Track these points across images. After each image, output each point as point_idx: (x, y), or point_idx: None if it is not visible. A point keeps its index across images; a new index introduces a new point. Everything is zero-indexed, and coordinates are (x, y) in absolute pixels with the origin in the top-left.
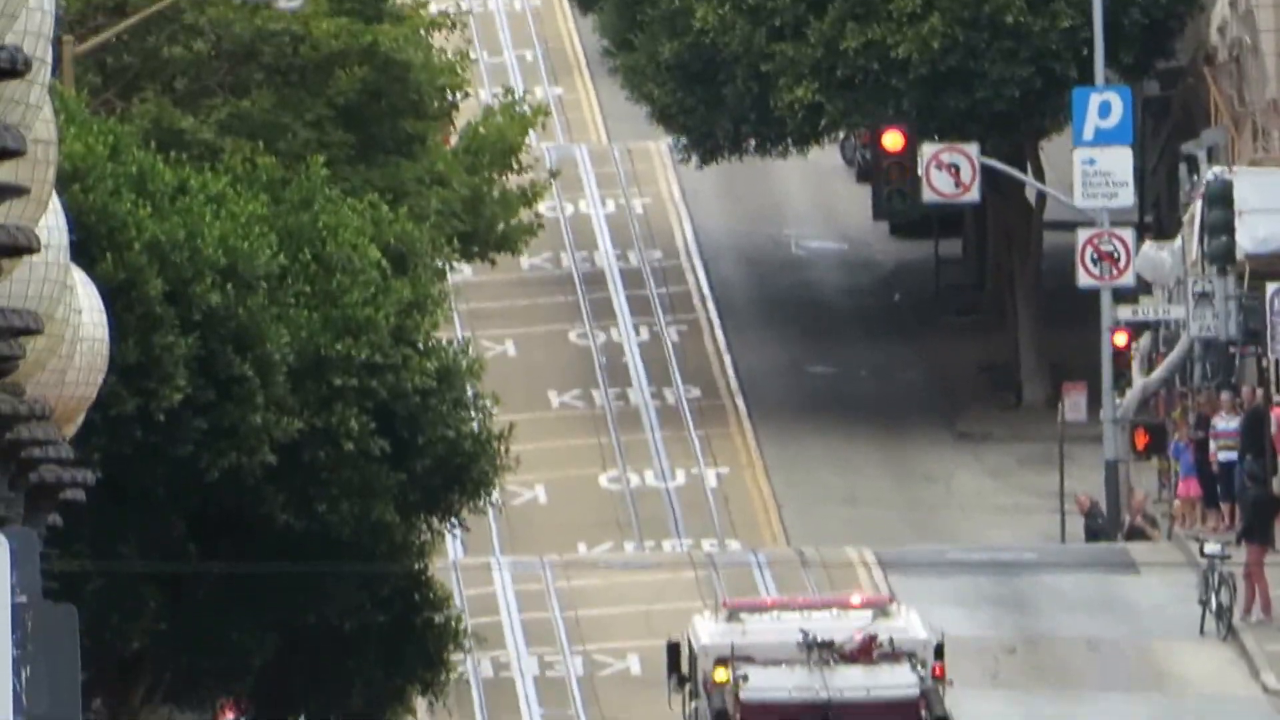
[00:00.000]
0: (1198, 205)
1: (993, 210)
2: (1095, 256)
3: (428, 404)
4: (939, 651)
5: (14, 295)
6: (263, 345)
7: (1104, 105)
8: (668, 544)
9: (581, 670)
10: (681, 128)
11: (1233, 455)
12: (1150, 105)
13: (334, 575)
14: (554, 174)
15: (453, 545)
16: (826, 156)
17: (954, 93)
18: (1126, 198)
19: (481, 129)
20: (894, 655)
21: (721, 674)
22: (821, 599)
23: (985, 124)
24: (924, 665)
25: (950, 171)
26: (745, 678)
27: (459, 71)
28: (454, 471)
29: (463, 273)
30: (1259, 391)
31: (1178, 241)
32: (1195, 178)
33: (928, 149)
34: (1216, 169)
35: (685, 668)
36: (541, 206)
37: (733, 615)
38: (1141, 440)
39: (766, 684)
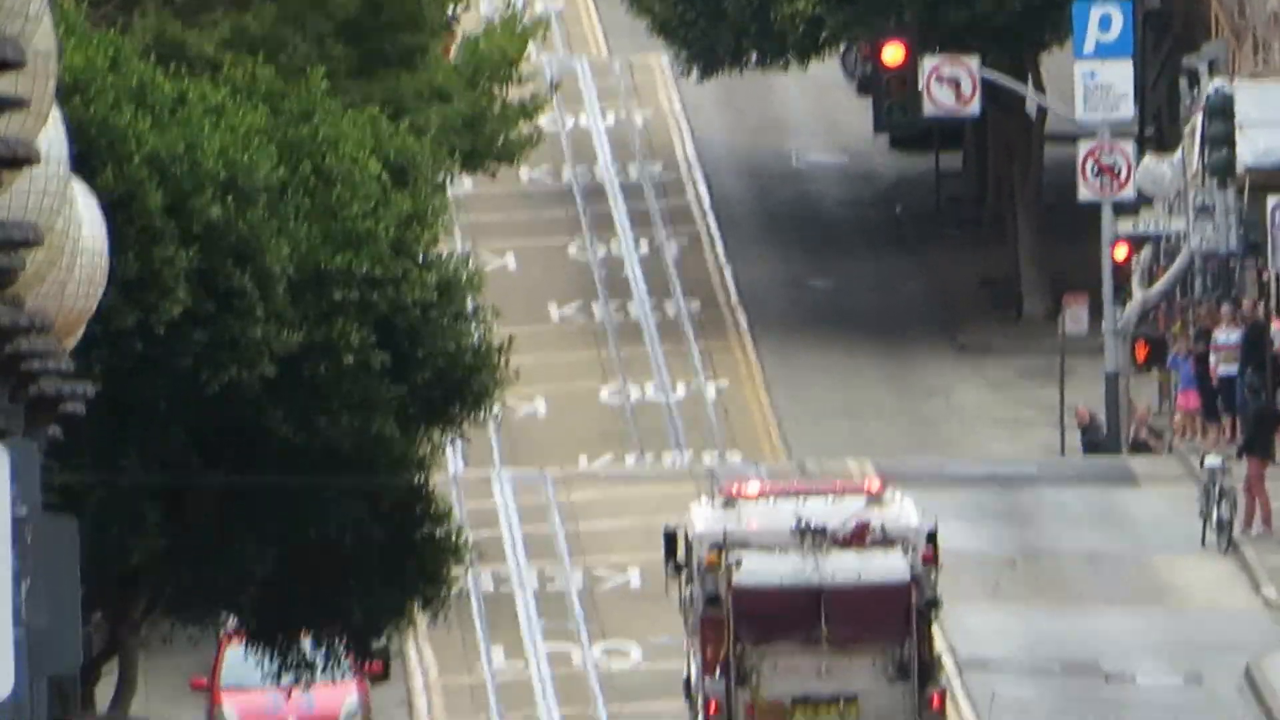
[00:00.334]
0: (1198, 118)
1: (993, 124)
2: (1096, 170)
3: (428, 317)
4: (931, 537)
5: (14, 208)
6: (263, 258)
7: (1104, 18)
8: (668, 457)
9: (582, 584)
10: (682, 41)
11: (1233, 368)
12: (1151, 18)
13: (334, 489)
14: (555, 87)
15: (453, 458)
16: (827, 70)
17: (955, 6)
18: (1127, 111)
19: (482, 44)
20: (886, 541)
21: (715, 559)
22: (817, 485)
23: (986, 37)
24: (915, 551)
25: (951, 85)
26: (738, 563)
27: None
28: (454, 384)
29: (463, 186)
30: (1259, 304)
31: (1178, 155)
32: (1196, 91)
33: (928, 62)
34: (1217, 82)
35: (682, 555)
36: (542, 120)
37: (729, 502)
38: (1142, 353)
39: (759, 569)
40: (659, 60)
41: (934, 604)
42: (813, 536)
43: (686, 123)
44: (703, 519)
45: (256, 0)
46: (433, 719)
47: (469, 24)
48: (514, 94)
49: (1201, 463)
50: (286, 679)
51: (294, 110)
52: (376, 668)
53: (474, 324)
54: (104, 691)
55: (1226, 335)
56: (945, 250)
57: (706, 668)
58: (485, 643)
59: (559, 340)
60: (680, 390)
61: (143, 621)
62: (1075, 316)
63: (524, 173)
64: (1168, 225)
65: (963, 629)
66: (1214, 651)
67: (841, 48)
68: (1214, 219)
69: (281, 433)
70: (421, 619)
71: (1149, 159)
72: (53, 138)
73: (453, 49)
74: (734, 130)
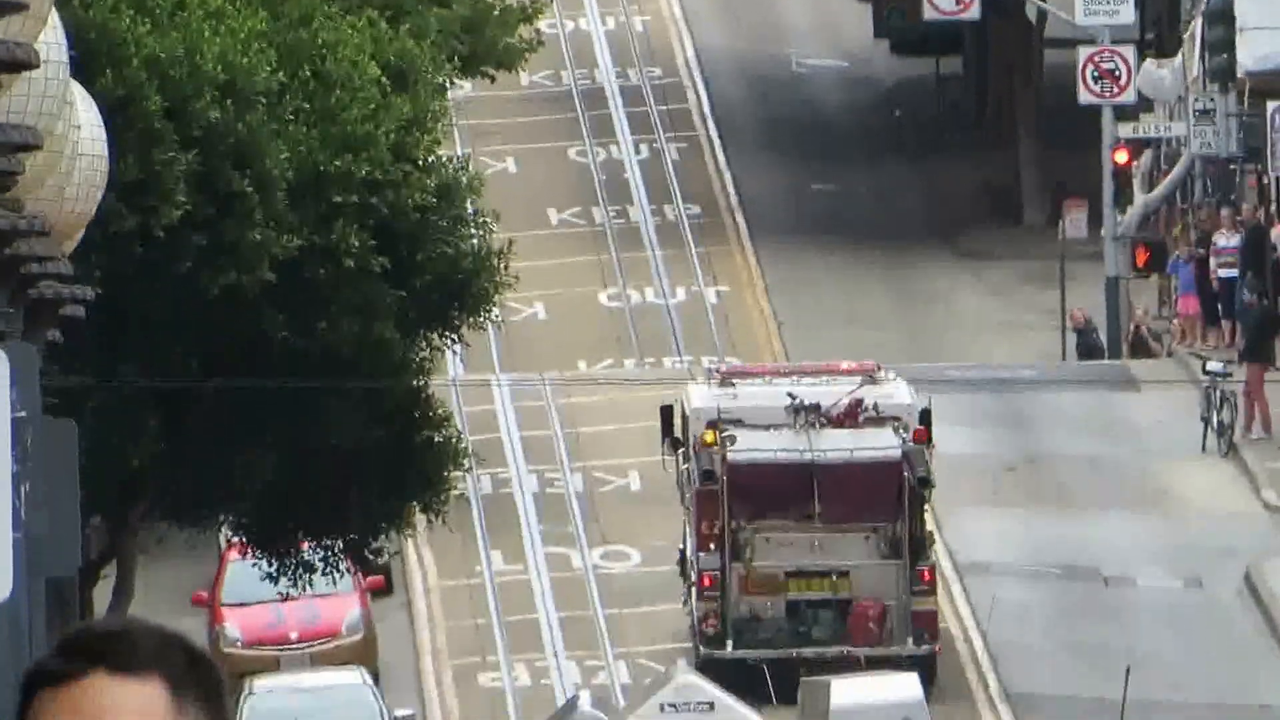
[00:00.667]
0: (1198, 23)
1: (993, 29)
2: (1096, 74)
3: (427, 221)
4: (924, 417)
5: (13, 111)
6: (262, 161)
7: None
8: (668, 361)
9: (581, 487)
10: None
11: (1233, 272)
12: None
13: (334, 393)
14: None
15: (452, 362)
16: None
17: None
18: (1127, 15)
19: None
20: (878, 419)
21: (710, 436)
22: (812, 366)
23: None
24: (907, 429)
25: None
26: (732, 439)
27: None
28: (454, 288)
29: (463, 89)
30: (1259, 209)
31: (1178, 59)
32: None
33: None
34: None
35: (679, 432)
36: (541, 23)
37: (725, 381)
38: (1142, 257)
39: (753, 445)
40: None
41: (926, 481)
42: (806, 414)
43: (686, 27)
44: (699, 397)
45: None
46: (432, 621)
47: None
48: None
49: (1203, 367)
50: (285, 582)
51: (293, 14)
52: (378, 583)
53: (473, 228)
54: (102, 596)
55: (1226, 239)
56: (945, 155)
57: (701, 543)
58: (485, 546)
59: (559, 244)
60: (680, 294)
61: (141, 525)
62: (1075, 221)
63: (524, 76)
64: (1168, 129)
65: (962, 533)
66: (1213, 555)
67: None
68: (1214, 123)
69: (281, 337)
70: (420, 521)
71: (1149, 64)
72: (51, 41)
73: None
74: (734, 35)
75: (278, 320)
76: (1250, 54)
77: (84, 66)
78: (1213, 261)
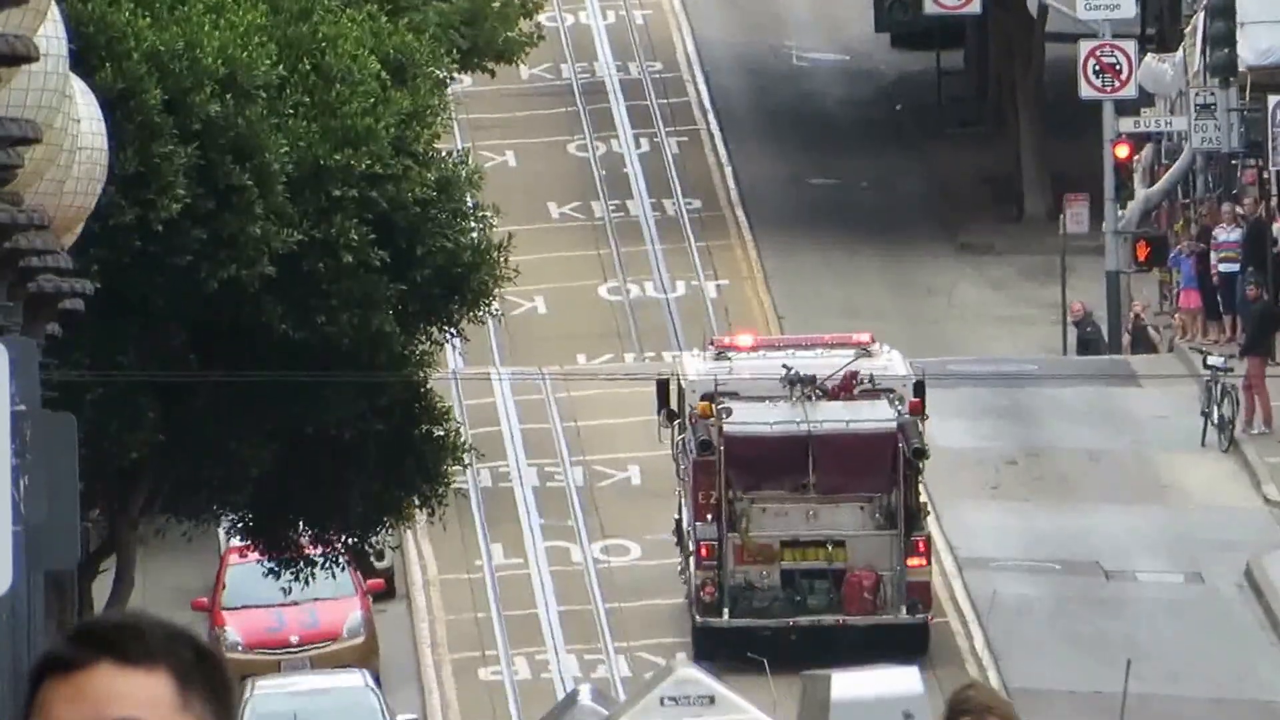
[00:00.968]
0: (1200, 17)
1: (995, 22)
2: (1097, 68)
3: (427, 214)
4: (918, 389)
5: (13, 104)
6: (262, 155)
7: None
8: (668, 355)
9: (581, 480)
10: None
11: (1234, 267)
12: None
13: (333, 385)
14: None
15: (452, 356)
16: None
17: None
18: (1129, 9)
19: None
20: (873, 391)
21: (706, 408)
22: (806, 338)
23: None
24: (902, 401)
25: None
26: (729, 411)
27: None
28: (453, 282)
29: (463, 83)
30: (1260, 203)
31: (1180, 53)
32: None
33: None
34: None
35: (674, 404)
36: (541, 17)
37: (720, 354)
38: (1143, 251)
39: (749, 417)
40: None
41: (921, 452)
42: (801, 386)
43: (687, 20)
44: (695, 369)
45: None
46: (432, 615)
47: None
48: None
49: (1204, 362)
50: (286, 576)
51: (293, 8)
52: (379, 585)
53: (473, 221)
54: (101, 589)
55: (1227, 234)
56: (946, 149)
57: (698, 512)
58: (485, 540)
59: (559, 238)
60: (680, 288)
61: (140, 517)
62: (1076, 216)
63: (524, 70)
64: (1169, 124)
65: (963, 527)
66: (1214, 549)
67: None
68: (1215, 118)
69: (280, 330)
70: (421, 516)
71: (1150, 58)
72: (51, 34)
73: None
74: (734, 28)
75: (277, 312)
76: (1251, 48)
77: (83, 60)
78: (1213, 256)
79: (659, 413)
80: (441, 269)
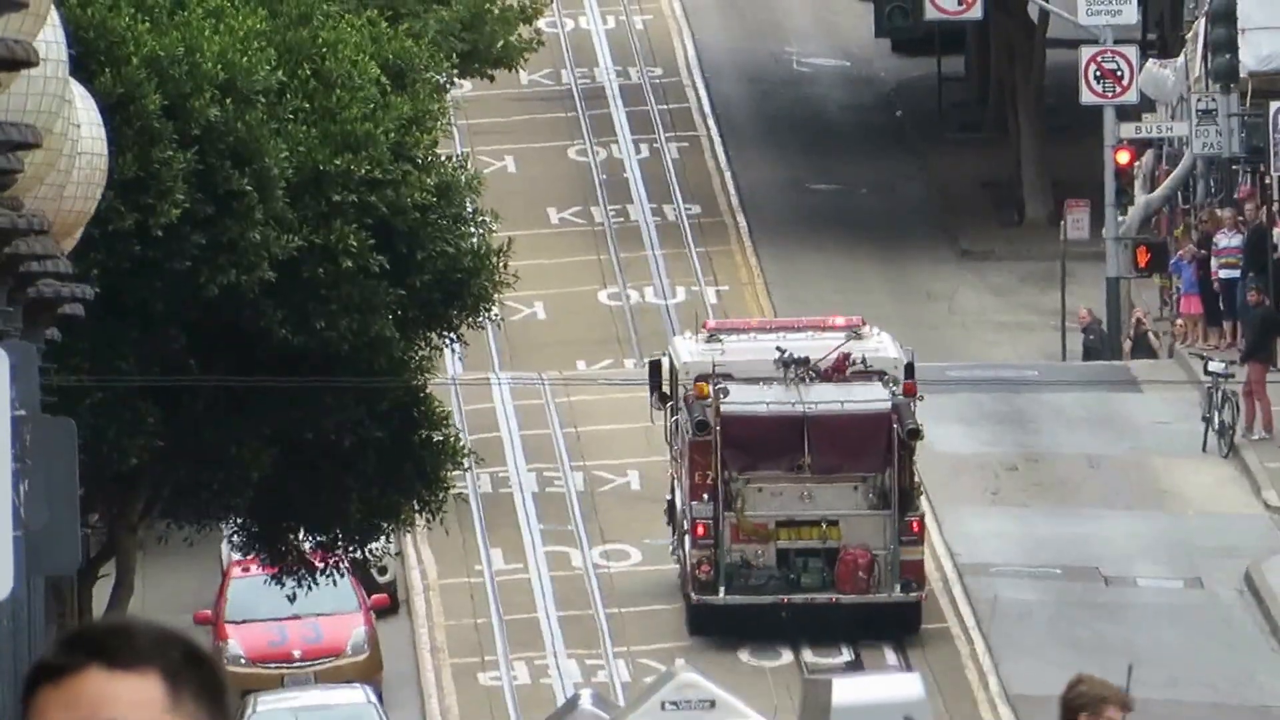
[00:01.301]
0: (1201, 23)
1: (995, 27)
2: (1098, 74)
3: (427, 219)
4: (909, 370)
5: (12, 109)
6: (261, 160)
7: None
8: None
9: (581, 486)
10: None
11: (1234, 272)
12: None
13: (332, 390)
14: None
15: (451, 361)
16: None
17: None
18: (1130, 15)
19: None
20: (866, 373)
21: (702, 389)
22: (796, 321)
23: None
24: (896, 383)
25: None
26: (725, 391)
27: None
28: (453, 287)
29: (462, 88)
30: (1261, 209)
31: (1181, 59)
32: None
33: None
34: None
35: (666, 386)
36: (541, 22)
37: (712, 336)
38: (1143, 257)
39: (745, 397)
40: None
41: (915, 433)
42: (795, 368)
43: (687, 26)
44: (688, 351)
45: None
46: (431, 620)
47: None
48: None
49: (1205, 368)
50: (290, 584)
51: (292, 13)
52: (383, 601)
53: (473, 226)
54: (101, 595)
55: (1228, 239)
56: (947, 154)
57: (694, 492)
58: (484, 545)
59: (558, 243)
60: (680, 294)
61: (140, 522)
62: (1076, 222)
63: (523, 75)
64: (1170, 129)
65: (964, 532)
66: (1214, 555)
67: None
68: (1216, 123)
69: (280, 335)
70: (421, 521)
71: (1151, 64)
72: (51, 39)
73: None
74: (735, 33)
75: (276, 317)
76: (1253, 54)
77: (83, 65)
78: (1214, 262)
79: (651, 395)
80: (441, 274)
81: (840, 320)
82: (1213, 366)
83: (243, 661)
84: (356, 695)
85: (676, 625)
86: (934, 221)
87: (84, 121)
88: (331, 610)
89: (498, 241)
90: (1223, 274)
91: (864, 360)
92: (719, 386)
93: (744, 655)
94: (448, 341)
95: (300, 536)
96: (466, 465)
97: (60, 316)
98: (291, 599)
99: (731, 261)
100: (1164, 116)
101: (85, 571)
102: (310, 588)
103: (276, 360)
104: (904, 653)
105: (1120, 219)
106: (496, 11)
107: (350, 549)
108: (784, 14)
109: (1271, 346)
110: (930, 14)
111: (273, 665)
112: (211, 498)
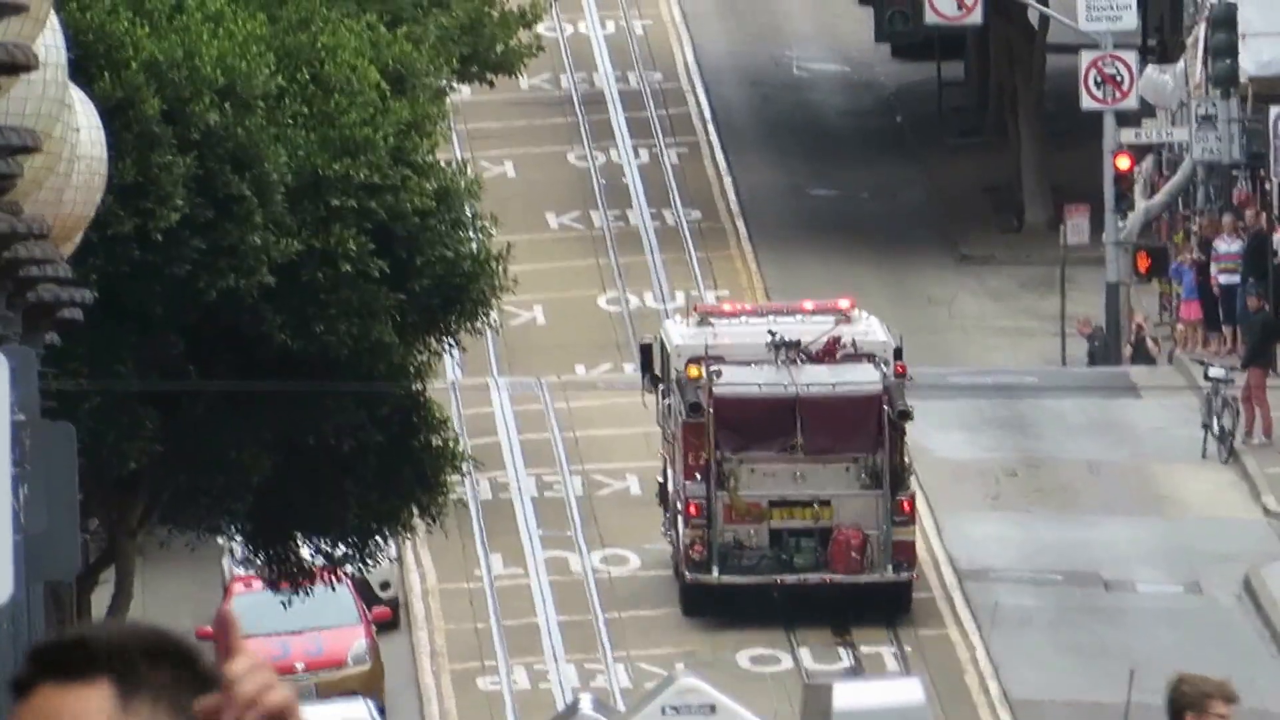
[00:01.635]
0: (1201, 28)
1: (995, 32)
2: (1098, 79)
3: (426, 224)
4: (898, 353)
5: (12, 113)
6: (261, 165)
7: None
8: None
9: (580, 490)
10: None
11: (1234, 278)
12: None
13: (332, 394)
14: None
15: (451, 366)
16: None
17: None
18: (1130, 20)
19: None
20: (856, 355)
21: (695, 371)
22: (786, 305)
23: None
24: (886, 365)
25: None
26: (718, 373)
27: None
28: (452, 292)
29: (461, 93)
30: (1261, 214)
31: (1181, 64)
32: (1199, 0)
33: None
34: None
35: (658, 368)
36: (540, 27)
37: (703, 320)
38: (1143, 263)
39: (738, 379)
40: None
41: (905, 414)
42: (787, 350)
43: (687, 31)
44: (680, 334)
45: None
46: (431, 624)
47: None
48: (513, 1)
49: (1205, 374)
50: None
51: (292, 18)
52: (385, 614)
53: (472, 231)
54: (101, 600)
55: (1228, 245)
56: (947, 160)
57: (687, 473)
58: (484, 550)
59: (557, 248)
60: (680, 299)
61: (140, 527)
62: (1076, 227)
63: (523, 80)
64: (1170, 135)
65: (964, 538)
66: (1213, 560)
67: None
68: (1216, 129)
69: (279, 339)
70: (420, 526)
71: (1151, 69)
72: (50, 43)
73: None
74: (734, 38)
75: (276, 322)
76: (1253, 59)
77: (82, 69)
78: (1214, 267)
79: (643, 377)
80: (440, 279)
81: (829, 303)
82: (1213, 372)
83: None
84: (358, 710)
85: (676, 630)
86: (934, 226)
87: (83, 126)
88: (333, 623)
89: (497, 246)
90: (1222, 279)
91: (854, 343)
92: (712, 369)
93: (744, 660)
94: (446, 346)
95: (299, 540)
96: (466, 470)
97: (59, 321)
98: (286, 605)
99: (731, 266)
100: (1164, 122)
101: (85, 577)
102: (307, 593)
103: (276, 364)
104: (904, 658)
105: (1120, 224)
106: (496, 16)
107: (350, 554)
108: (784, 18)
109: (1271, 352)
110: (930, 19)
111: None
112: (211, 502)
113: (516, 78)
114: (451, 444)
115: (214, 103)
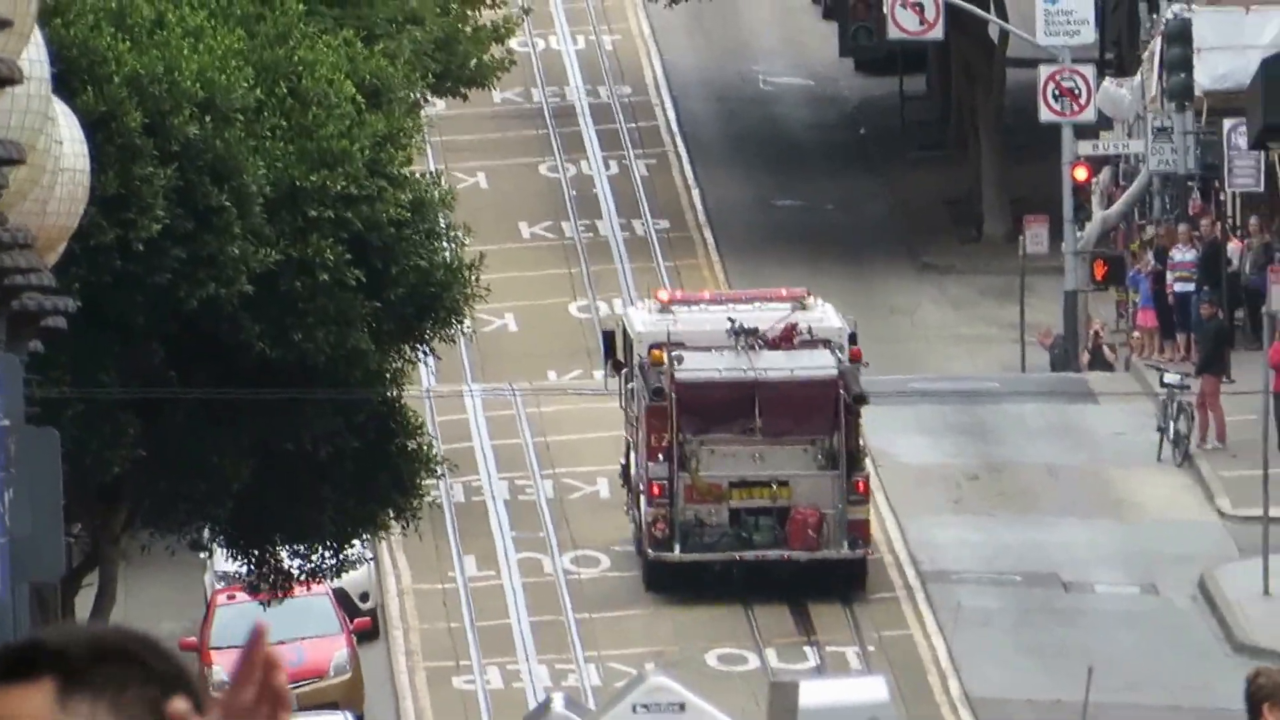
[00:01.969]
0: (1157, 43)
1: (956, 47)
2: (1057, 92)
3: (401, 234)
4: (853, 338)
5: None
6: (240, 176)
7: None
8: None
9: (552, 494)
10: None
11: (1189, 286)
12: None
13: (310, 401)
14: (525, 10)
15: (425, 373)
16: None
17: None
18: (1088, 35)
19: None
20: (812, 341)
21: (659, 356)
22: (744, 293)
23: None
24: (841, 350)
25: (915, 9)
26: (680, 359)
27: None
28: (427, 300)
29: (436, 106)
30: (1216, 224)
31: (1137, 78)
32: (1155, 16)
33: None
34: (1176, 7)
35: (621, 354)
36: (512, 42)
37: (665, 308)
38: (1100, 271)
39: (699, 365)
40: None
41: (861, 398)
42: (746, 336)
43: (655, 46)
44: (642, 321)
45: None
46: (405, 624)
47: None
48: (486, 16)
49: (1161, 380)
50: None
51: (270, 33)
52: (365, 624)
53: (446, 241)
54: (84, 605)
55: (1183, 254)
56: (909, 172)
57: (650, 454)
58: (458, 552)
59: (529, 257)
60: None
61: (123, 533)
62: (1035, 237)
63: (495, 94)
64: (1127, 147)
65: (927, 540)
66: (1169, 562)
67: None
68: (1172, 141)
69: (258, 347)
70: (395, 528)
71: (1109, 83)
72: (34, 58)
73: None
74: (702, 53)
75: (254, 330)
76: (1208, 73)
77: (66, 83)
78: (1169, 276)
79: (605, 363)
80: (415, 288)
81: (785, 292)
82: (1168, 378)
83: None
84: None
85: (646, 630)
86: (896, 237)
87: (66, 138)
88: (314, 634)
89: (470, 256)
90: (1178, 288)
91: (810, 330)
92: (674, 354)
93: (712, 660)
94: (421, 354)
95: (278, 543)
96: (440, 473)
97: (43, 329)
98: (265, 607)
99: (699, 275)
100: (1121, 134)
101: (69, 581)
102: (284, 588)
103: (255, 372)
104: (867, 657)
105: (1078, 234)
106: (469, 32)
107: (328, 555)
108: (750, 34)
109: (1225, 359)
110: (893, 34)
111: None
112: (192, 508)
113: (489, 91)
114: (426, 448)
115: (194, 116)
